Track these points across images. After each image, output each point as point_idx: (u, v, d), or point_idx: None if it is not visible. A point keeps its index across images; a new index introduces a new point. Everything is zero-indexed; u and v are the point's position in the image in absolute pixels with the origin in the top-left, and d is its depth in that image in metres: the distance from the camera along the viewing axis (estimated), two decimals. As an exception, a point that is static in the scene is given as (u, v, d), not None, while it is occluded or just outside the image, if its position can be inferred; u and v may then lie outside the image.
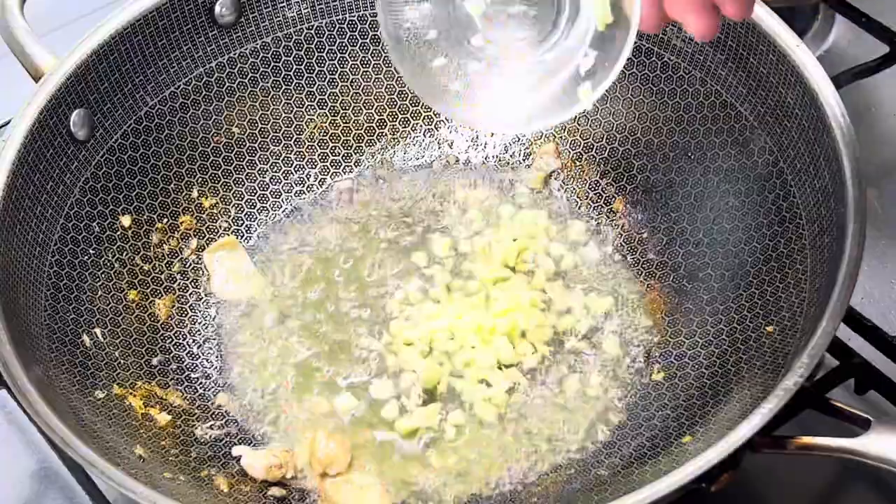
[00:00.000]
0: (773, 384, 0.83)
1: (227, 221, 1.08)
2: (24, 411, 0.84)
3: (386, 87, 1.12)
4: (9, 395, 0.86)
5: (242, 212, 1.09)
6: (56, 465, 0.97)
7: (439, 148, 1.13)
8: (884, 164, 1.10)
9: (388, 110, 1.12)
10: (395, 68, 0.84)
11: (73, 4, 1.32)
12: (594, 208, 1.08)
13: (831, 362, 0.94)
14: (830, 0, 1.22)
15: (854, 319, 0.97)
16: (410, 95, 1.12)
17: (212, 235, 1.07)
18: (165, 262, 1.05)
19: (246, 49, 1.08)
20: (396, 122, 1.12)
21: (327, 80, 1.11)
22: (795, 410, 0.85)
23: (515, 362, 0.98)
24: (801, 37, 0.95)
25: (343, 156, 1.12)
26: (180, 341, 1.02)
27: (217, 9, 1.06)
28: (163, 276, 1.04)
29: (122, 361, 0.97)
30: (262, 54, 1.09)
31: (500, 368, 0.98)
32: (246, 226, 1.08)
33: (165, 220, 1.05)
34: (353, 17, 1.10)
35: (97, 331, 0.97)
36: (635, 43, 1.03)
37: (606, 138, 1.08)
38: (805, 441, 0.78)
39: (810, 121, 0.92)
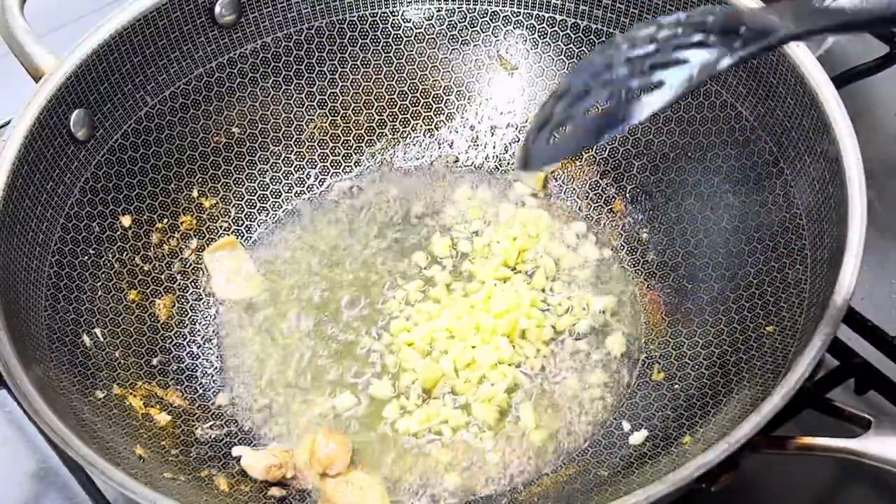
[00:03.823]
0: (773, 384, 0.83)
1: (227, 221, 1.08)
2: (24, 411, 0.84)
3: (386, 87, 1.12)
4: (9, 395, 0.86)
5: (242, 212, 1.09)
6: (56, 465, 0.97)
7: (439, 148, 1.13)
8: (884, 164, 1.10)
9: (388, 110, 1.12)
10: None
11: (73, 4, 1.32)
12: (594, 208, 1.08)
13: (831, 362, 0.94)
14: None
15: (854, 319, 0.97)
16: (410, 95, 1.12)
17: (212, 235, 1.07)
18: (166, 262, 1.05)
19: (246, 49, 1.08)
20: (396, 122, 1.12)
21: (327, 80, 1.11)
22: (796, 410, 0.85)
23: (515, 362, 0.98)
24: (801, 37, 0.95)
25: (343, 156, 1.12)
26: (180, 341, 1.02)
27: (217, 9, 1.06)
28: (163, 277, 1.04)
29: (122, 361, 0.97)
30: (262, 54, 1.09)
31: (499, 368, 0.98)
32: (246, 226, 1.09)
33: (166, 220, 1.05)
34: (354, 17, 1.10)
35: (97, 331, 0.97)
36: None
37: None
38: (805, 441, 0.78)
39: (810, 121, 0.92)
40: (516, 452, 0.94)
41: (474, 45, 1.12)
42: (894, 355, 0.96)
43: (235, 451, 0.94)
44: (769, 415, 0.77)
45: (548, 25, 1.09)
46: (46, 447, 0.97)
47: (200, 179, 1.08)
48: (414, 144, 1.13)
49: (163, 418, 0.95)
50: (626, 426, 0.94)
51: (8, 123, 0.97)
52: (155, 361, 0.99)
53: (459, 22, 1.11)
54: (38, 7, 1.04)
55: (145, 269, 1.03)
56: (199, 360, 1.01)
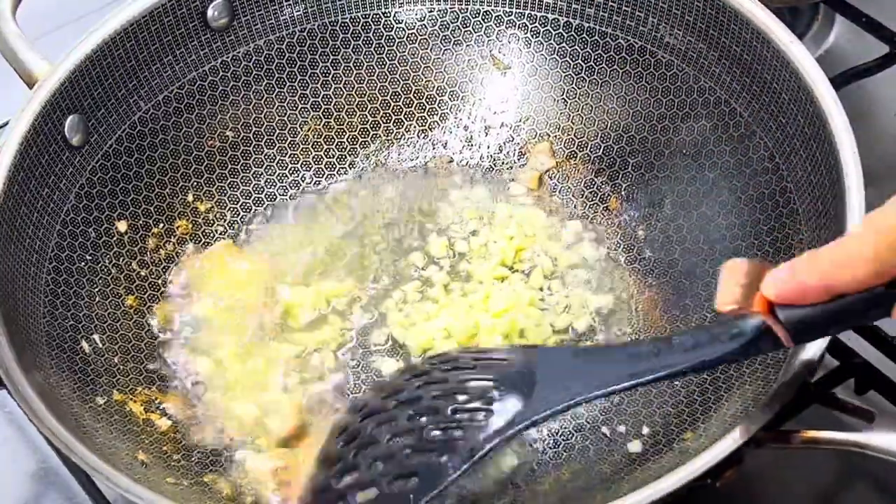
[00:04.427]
0: (773, 379, 0.83)
1: (222, 225, 1.08)
2: (26, 415, 0.84)
3: (379, 89, 1.12)
4: (9, 396, 0.86)
5: (238, 215, 1.09)
6: (56, 465, 0.97)
7: (433, 148, 1.13)
8: (884, 164, 1.10)
9: (382, 111, 1.12)
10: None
11: (65, 8, 1.31)
12: (590, 207, 1.08)
13: (831, 362, 0.94)
14: (830, 0, 1.22)
15: (854, 319, 0.97)
16: (404, 96, 1.12)
17: (208, 239, 1.07)
18: (162, 266, 1.04)
19: (239, 52, 1.08)
20: (390, 123, 1.12)
21: (320, 82, 1.11)
22: (799, 407, 0.85)
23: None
24: (801, 37, 0.95)
25: (337, 157, 1.12)
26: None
27: (210, 12, 1.05)
28: (160, 281, 1.03)
29: (121, 367, 0.97)
30: (255, 57, 1.09)
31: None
32: (242, 229, 1.08)
33: (161, 224, 1.05)
34: (346, 18, 1.10)
35: (96, 337, 0.97)
36: (627, 41, 1.05)
37: (601, 136, 1.09)
38: (810, 435, 0.79)
39: (806, 117, 0.92)
40: (517, 451, 0.94)
41: (467, 46, 1.12)
42: (894, 355, 0.97)
43: (238, 455, 0.94)
44: (773, 410, 0.78)
45: (540, 24, 1.09)
46: (46, 447, 0.97)
47: (195, 183, 1.08)
48: (408, 145, 1.13)
49: (163, 423, 0.95)
50: (628, 423, 0.94)
51: (4, 126, 0.96)
52: (153, 367, 0.99)
53: (452, 22, 1.11)
54: (30, 10, 1.03)
55: (142, 274, 1.03)
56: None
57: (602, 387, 0.78)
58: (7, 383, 0.84)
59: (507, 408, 0.78)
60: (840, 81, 1.09)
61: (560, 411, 0.78)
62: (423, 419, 0.80)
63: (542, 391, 0.78)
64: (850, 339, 0.96)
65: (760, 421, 0.77)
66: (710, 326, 0.75)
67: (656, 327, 1.00)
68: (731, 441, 0.77)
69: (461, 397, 0.80)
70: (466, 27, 1.11)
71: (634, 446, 0.92)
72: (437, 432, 0.79)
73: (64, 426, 0.82)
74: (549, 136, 1.11)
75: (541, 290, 1.03)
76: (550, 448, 0.94)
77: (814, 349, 0.80)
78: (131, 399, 0.95)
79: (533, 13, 1.09)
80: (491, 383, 0.80)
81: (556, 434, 0.94)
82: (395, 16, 1.11)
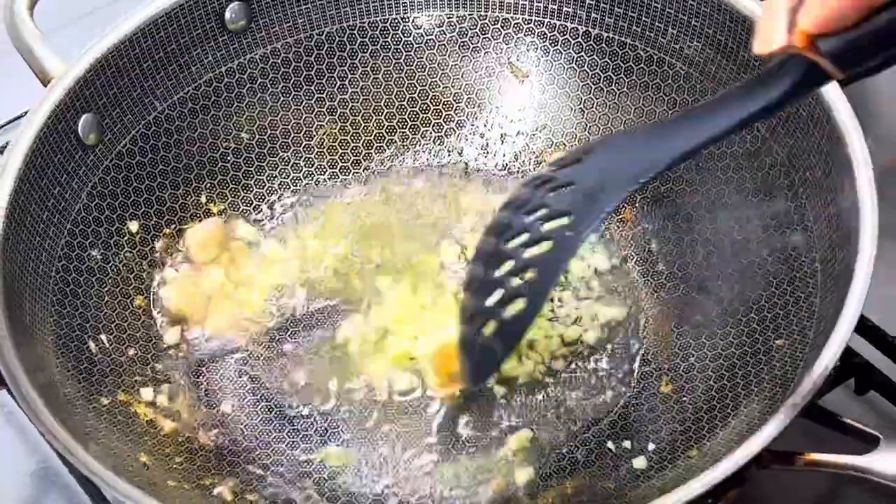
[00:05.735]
0: (782, 398, 0.82)
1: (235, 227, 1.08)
2: (26, 414, 0.84)
3: (395, 94, 1.12)
4: (8, 395, 0.86)
5: (251, 217, 1.08)
6: (56, 465, 0.97)
7: (449, 155, 1.12)
8: (884, 164, 1.09)
9: (398, 117, 1.12)
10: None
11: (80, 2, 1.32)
12: (604, 218, 1.07)
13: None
14: None
15: (854, 320, 0.97)
16: (420, 102, 1.12)
17: (220, 241, 1.07)
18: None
19: (256, 55, 1.08)
20: (406, 129, 1.12)
21: (337, 86, 1.11)
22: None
23: (522, 372, 0.97)
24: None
25: (352, 162, 1.12)
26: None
27: (227, 14, 1.05)
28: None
29: (127, 368, 0.97)
30: (271, 60, 1.09)
31: (506, 377, 0.97)
32: (254, 231, 1.08)
33: (173, 225, 1.05)
34: (364, 23, 1.10)
35: (103, 337, 0.97)
36: (646, 52, 1.05)
37: (617, 147, 1.08)
38: (813, 458, 0.78)
39: (822, 133, 0.91)
40: (522, 463, 0.94)
41: (485, 53, 1.11)
42: (894, 355, 0.96)
43: None
44: (777, 431, 0.77)
45: (559, 33, 1.09)
46: (46, 447, 0.97)
47: (209, 185, 1.08)
48: (423, 151, 1.12)
49: (167, 425, 0.94)
50: (634, 438, 0.93)
51: (16, 119, 0.96)
52: (160, 367, 0.99)
53: (470, 29, 1.11)
54: (45, 5, 1.03)
55: (152, 274, 1.03)
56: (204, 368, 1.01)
57: (678, 151, 0.79)
58: (9, 382, 0.83)
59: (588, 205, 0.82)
60: (840, 82, 1.08)
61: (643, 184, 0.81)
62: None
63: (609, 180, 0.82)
64: (851, 339, 0.95)
65: (763, 442, 0.76)
66: (753, 79, 0.74)
67: (667, 341, 0.99)
68: (732, 462, 0.76)
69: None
70: (485, 34, 1.11)
71: (639, 462, 0.92)
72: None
73: (64, 428, 0.81)
74: (566, 145, 1.10)
75: (551, 300, 1.02)
76: (554, 462, 0.93)
77: (821, 368, 0.80)
78: (136, 400, 0.95)
79: (552, 21, 1.08)
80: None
81: (561, 448, 0.94)
82: (413, 21, 1.11)
